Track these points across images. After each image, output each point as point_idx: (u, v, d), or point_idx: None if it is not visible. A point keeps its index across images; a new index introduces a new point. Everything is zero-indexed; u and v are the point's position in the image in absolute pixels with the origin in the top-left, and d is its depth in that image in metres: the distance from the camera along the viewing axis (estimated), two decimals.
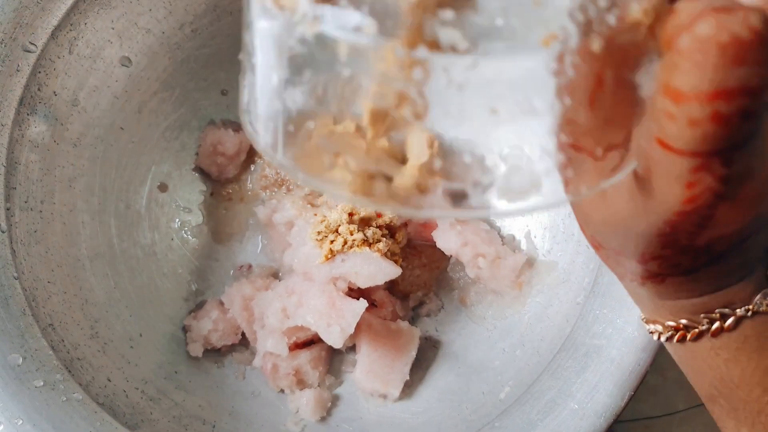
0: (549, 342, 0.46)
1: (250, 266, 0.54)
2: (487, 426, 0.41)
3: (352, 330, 0.45)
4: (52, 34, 0.45)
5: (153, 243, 0.54)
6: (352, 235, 0.47)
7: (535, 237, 0.52)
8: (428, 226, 0.52)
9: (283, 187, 0.55)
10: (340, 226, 0.48)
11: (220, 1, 0.52)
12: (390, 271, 0.46)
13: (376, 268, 0.46)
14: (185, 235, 0.55)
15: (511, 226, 0.53)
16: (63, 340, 0.44)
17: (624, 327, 0.39)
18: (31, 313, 0.42)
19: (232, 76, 0.56)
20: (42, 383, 0.40)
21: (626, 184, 0.23)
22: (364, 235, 0.48)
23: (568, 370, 0.40)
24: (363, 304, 0.46)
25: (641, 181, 0.23)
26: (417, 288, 0.53)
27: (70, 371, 0.42)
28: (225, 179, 0.56)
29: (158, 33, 0.51)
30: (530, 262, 0.51)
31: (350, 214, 0.48)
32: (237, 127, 0.56)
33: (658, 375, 0.60)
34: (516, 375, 0.46)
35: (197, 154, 0.56)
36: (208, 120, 0.56)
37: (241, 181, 0.56)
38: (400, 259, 0.51)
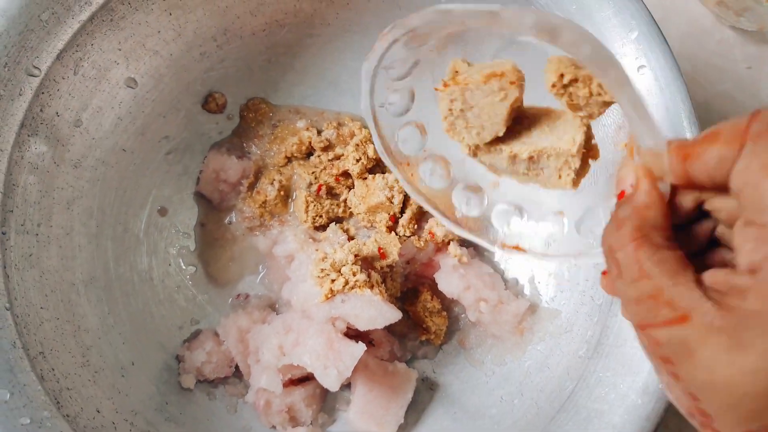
0: (548, 395, 0.45)
1: (247, 296, 0.53)
2: None
3: (349, 373, 0.44)
4: (57, 56, 0.44)
5: (150, 268, 0.53)
6: (354, 275, 0.46)
7: (539, 282, 0.51)
8: (430, 266, 0.51)
9: (275, 219, 0.54)
10: (344, 266, 0.46)
11: (230, 25, 0.51)
12: (390, 315, 0.45)
13: (376, 312, 0.45)
14: (183, 261, 0.54)
15: (516, 270, 0.52)
16: (53, 369, 0.43)
17: (627, 393, 0.38)
18: (21, 345, 0.41)
19: (239, 100, 0.55)
20: (29, 421, 0.39)
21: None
22: (367, 276, 0.46)
23: None
24: (361, 347, 0.45)
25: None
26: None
27: (58, 402, 0.41)
28: (225, 207, 0.55)
29: (166, 55, 0.50)
30: (533, 309, 0.50)
31: (356, 255, 0.47)
32: (240, 154, 0.55)
33: None
34: (513, 426, 0.45)
35: (199, 179, 0.54)
36: (212, 144, 0.55)
37: (242, 212, 0.55)
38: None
